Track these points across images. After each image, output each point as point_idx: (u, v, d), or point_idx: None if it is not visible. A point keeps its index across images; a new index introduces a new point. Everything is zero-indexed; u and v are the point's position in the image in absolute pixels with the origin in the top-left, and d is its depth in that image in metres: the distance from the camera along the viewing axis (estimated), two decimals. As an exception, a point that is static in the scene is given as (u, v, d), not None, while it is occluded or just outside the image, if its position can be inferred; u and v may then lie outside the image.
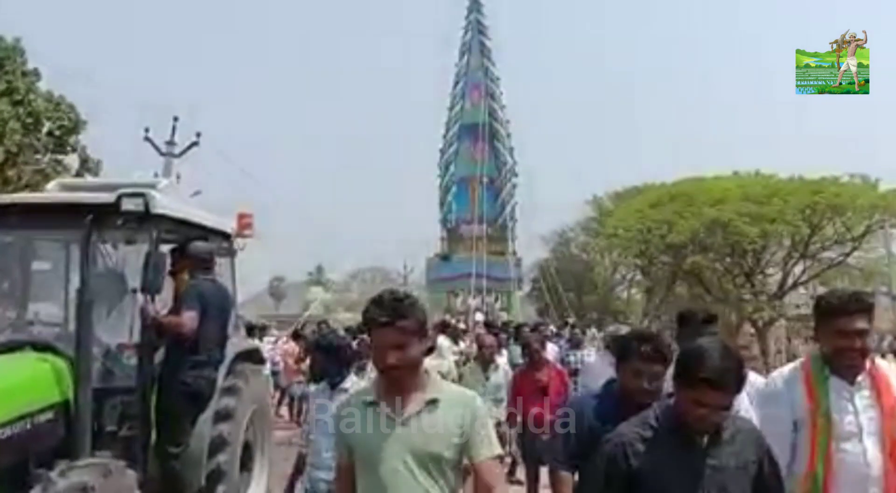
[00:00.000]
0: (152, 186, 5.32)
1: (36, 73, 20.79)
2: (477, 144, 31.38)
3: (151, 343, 4.90)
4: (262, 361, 6.59)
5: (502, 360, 8.83)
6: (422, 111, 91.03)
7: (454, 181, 32.57)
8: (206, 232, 5.66)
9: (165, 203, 4.99)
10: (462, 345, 11.34)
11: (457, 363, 9.63)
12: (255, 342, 10.10)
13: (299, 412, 12.21)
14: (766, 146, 72.11)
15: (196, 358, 4.96)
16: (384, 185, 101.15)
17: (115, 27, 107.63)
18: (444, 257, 32.10)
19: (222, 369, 5.33)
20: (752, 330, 33.04)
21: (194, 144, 17.75)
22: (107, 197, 4.75)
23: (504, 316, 25.81)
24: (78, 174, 20.53)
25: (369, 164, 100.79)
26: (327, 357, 4.37)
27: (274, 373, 13.49)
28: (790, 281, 33.02)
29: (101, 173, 25.69)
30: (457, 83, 33.48)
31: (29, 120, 20.05)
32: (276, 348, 14.41)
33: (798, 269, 32.96)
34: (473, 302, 26.32)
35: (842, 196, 29.80)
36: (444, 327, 11.74)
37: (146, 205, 4.71)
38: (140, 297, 4.82)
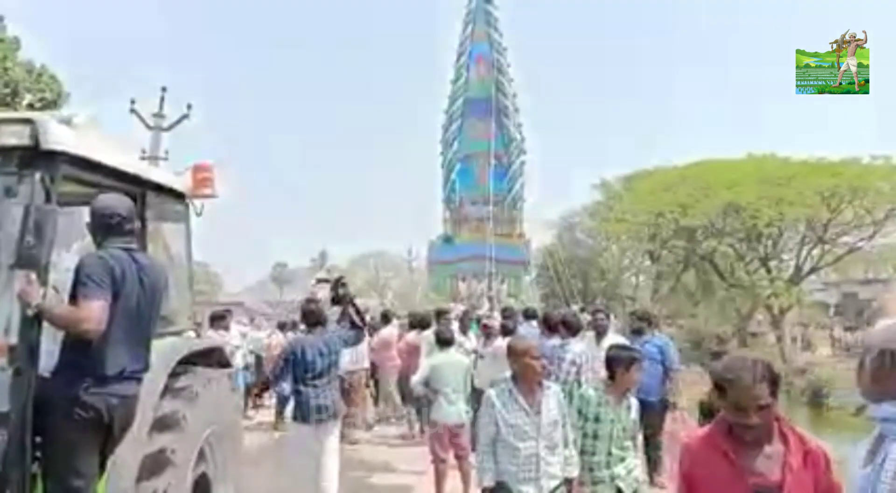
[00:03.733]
0: (67, 121, 3.47)
1: (15, 41, 19.50)
2: (483, 119, 29.70)
3: (32, 346, 3.18)
4: (226, 364, 4.98)
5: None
6: (424, 85, 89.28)
7: (458, 158, 30.77)
8: (141, 187, 4.23)
9: (68, 138, 3.37)
10: (471, 339, 10.03)
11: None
12: (218, 338, 8.75)
13: (280, 412, 10.83)
14: (779, 128, 70.56)
15: (102, 368, 3.27)
16: (386, 165, 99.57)
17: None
18: (448, 239, 30.46)
19: (162, 372, 3.89)
20: (768, 317, 32.06)
21: (185, 117, 16.56)
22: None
23: (512, 302, 24.59)
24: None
25: (370, 143, 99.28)
26: None
27: (246, 367, 12.32)
28: (807, 267, 31.85)
29: None
30: (461, 55, 31.78)
31: (6, 91, 18.75)
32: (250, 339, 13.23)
33: (814, 253, 31.88)
34: (481, 287, 25.23)
35: (863, 178, 28.61)
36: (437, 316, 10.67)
37: (35, 137, 3.25)
38: (19, 275, 3.16)
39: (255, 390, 12.83)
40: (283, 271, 69.12)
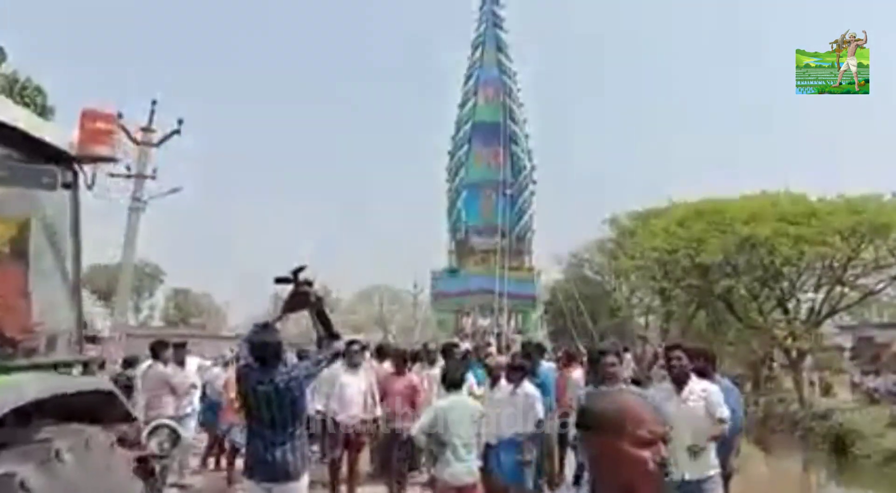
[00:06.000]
0: None
1: (0, 53, 18.63)
2: (491, 146, 28.70)
3: None
4: (125, 418, 3.53)
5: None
6: (429, 112, 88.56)
7: (464, 187, 29.61)
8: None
9: None
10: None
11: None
12: (100, 379, 6.81)
13: (231, 462, 9.32)
14: (794, 165, 69.74)
15: None
16: (390, 195, 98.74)
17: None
18: (452, 271, 29.18)
19: None
20: (784, 360, 30.86)
21: (175, 132, 15.61)
22: None
23: (518, 339, 23.36)
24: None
25: (373, 174, 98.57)
26: None
27: (210, 407, 10.51)
28: (825, 308, 30.67)
29: None
30: (468, 79, 30.82)
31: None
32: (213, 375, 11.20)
33: (833, 295, 30.72)
34: (487, 322, 24.04)
35: (884, 215, 27.50)
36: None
37: None
38: None
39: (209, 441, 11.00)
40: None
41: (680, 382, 5.69)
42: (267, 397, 4.49)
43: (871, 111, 79.36)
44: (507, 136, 29.22)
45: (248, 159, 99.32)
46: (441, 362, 9.44)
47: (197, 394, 9.82)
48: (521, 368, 7.39)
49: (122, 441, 3.42)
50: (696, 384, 5.71)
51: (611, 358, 6.04)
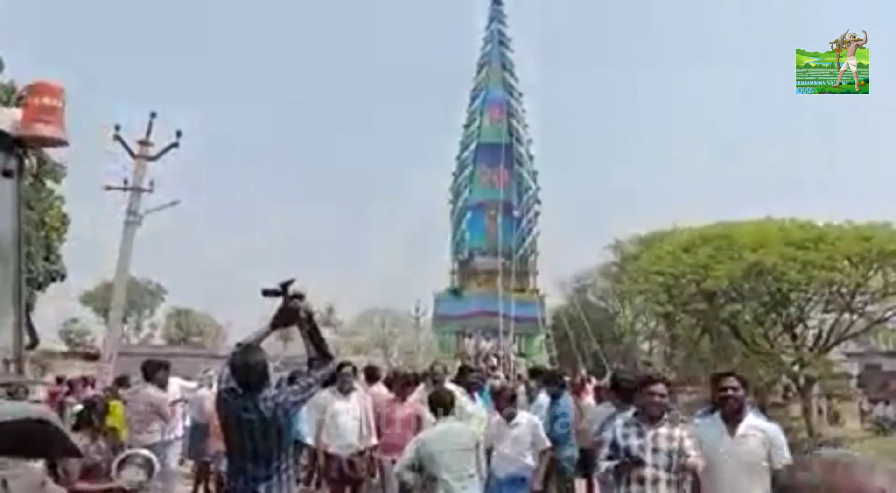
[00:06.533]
0: None
1: (-2, 62, 18.49)
2: (495, 167, 28.26)
3: None
4: (64, 450, 3.10)
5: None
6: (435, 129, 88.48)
7: (468, 207, 29.19)
8: None
9: None
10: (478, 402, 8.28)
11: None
12: (31, 406, 6.01)
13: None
14: (794, 192, 69.60)
15: None
16: (394, 219, 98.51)
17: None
18: (455, 292, 28.57)
19: None
20: (792, 387, 30.41)
21: (174, 145, 15.33)
22: None
23: (522, 363, 22.85)
24: (36, 178, 18.17)
25: (377, 192, 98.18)
26: None
27: (196, 432, 9.76)
28: (833, 335, 30.24)
29: (63, 180, 23.35)
30: (474, 99, 30.55)
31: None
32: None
33: (836, 320, 30.32)
34: (489, 345, 23.59)
35: (894, 243, 27.14)
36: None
37: None
38: None
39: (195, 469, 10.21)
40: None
41: (735, 417, 4.87)
42: (250, 427, 3.97)
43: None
44: (512, 156, 28.90)
45: (249, 175, 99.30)
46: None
47: (181, 418, 9.26)
48: (514, 397, 6.93)
49: (88, 473, 3.02)
50: (752, 420, 4.92)
51: (660, 387, 5.05)
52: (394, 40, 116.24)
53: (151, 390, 8.34)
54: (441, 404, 5.67)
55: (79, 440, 5.11)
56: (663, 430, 4.78)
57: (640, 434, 4.77)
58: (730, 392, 4.90)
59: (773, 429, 4.95)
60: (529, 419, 6.74)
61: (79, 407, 5.24)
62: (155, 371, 8.44)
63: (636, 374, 6.39)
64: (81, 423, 5.37)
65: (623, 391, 6.14)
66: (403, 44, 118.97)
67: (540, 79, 46.06)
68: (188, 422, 9.86)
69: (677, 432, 4.78)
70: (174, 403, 8.84)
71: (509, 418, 6.67)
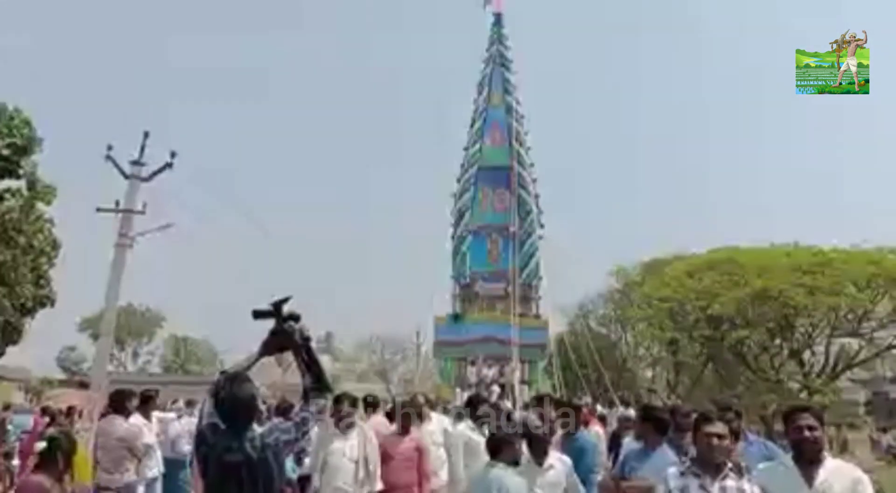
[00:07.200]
0: None
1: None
2: (497, 190, 28.09)
3: None
4: None
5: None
6: (433, 156, 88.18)
7: (469, 231, 28.69)
8: None
9: None
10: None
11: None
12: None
13: None
14: (798, 218, 69.18)
15: None
16: (394, 247, 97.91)
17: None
18: (456, 317, 27.86)
19: None
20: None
21: (167, 166, 14.90)
22: None
23: (526, 391, 22.28)
24: (26, 202, 17.68)
25: (378, 222, 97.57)
26: None
27: (174, 469, 8.86)
28: (841, 361, 29.78)
29: (54, 202, 22.71)
30: (475, 121, 30.26)
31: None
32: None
33: (849, 348, 29.89)
34: (490, 372, 23.04)
35: (902, 267, 26.84)
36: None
37: None
38: None
39: None
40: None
41: (814, 461, 3.99)
42: (235, 470, 3.32)
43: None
44: (514, 179, 28.60)
45: (246, 195, 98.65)
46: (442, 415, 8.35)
47: (157, 453, 8.40)
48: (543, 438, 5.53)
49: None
50: (830, 462, 4.02)
51: (720, 427, 4.13)
52: (392, 58, 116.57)
53: (121, 423, 7.43)
54: (498, 451, 4.87)
55: (43, 483, 4.57)
56: (731, 483, 3.95)
57: (703, 488, 3.98)
58: (806, 433, 4.01)
59: (858, 471, 4.07)
60: (563, 461, 5.58)
61: (41, 445, 4.56)
62: (125, 401, 7.55)
63: (684, 410, 5.50)
64: (44, 462, 4.68)
65: (658, 423, 5.41)
66: (404, 58, 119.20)
67: (542, 100, 45.79)
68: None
69: (747, 486, 3.95)
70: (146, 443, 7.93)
71: (539, 458, 5.44)
